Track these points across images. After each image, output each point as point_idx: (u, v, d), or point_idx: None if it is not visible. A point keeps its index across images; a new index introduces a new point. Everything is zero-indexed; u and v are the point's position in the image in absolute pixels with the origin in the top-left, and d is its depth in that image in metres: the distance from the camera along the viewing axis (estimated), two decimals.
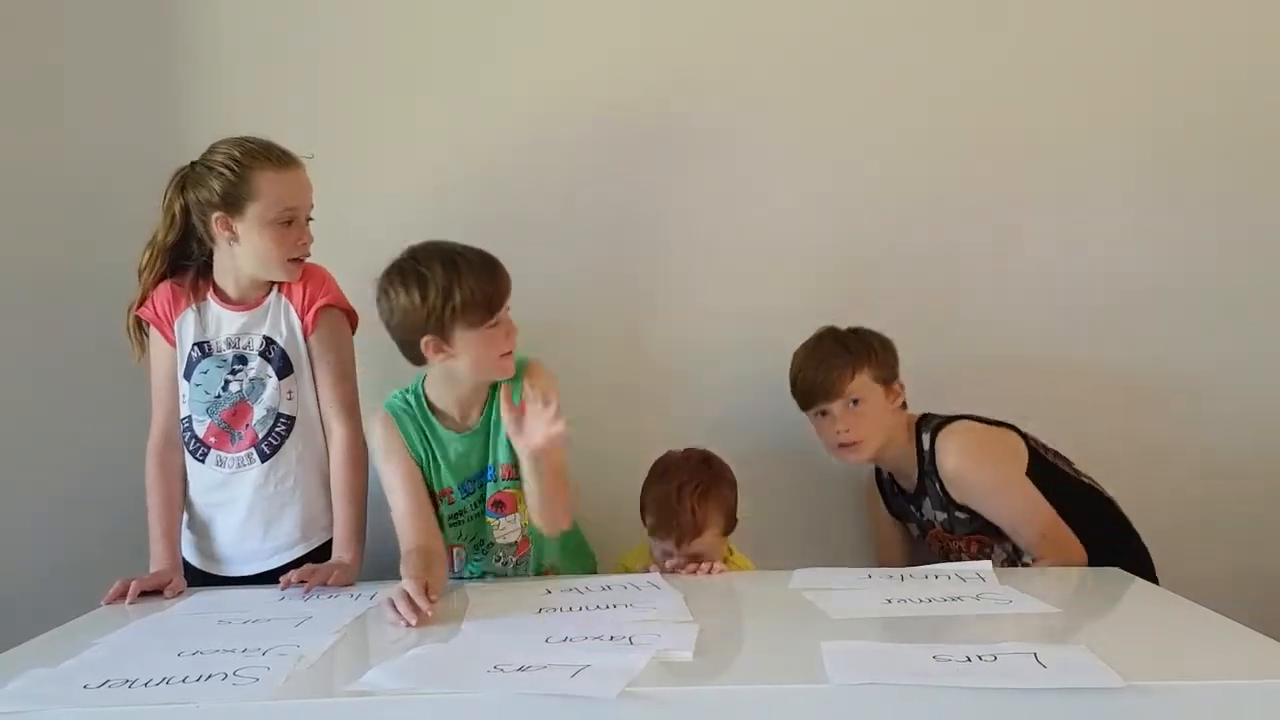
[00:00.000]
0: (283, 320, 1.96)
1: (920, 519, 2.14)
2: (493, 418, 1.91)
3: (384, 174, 2.31)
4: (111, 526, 2.21)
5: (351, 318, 2.03)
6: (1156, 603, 1.65)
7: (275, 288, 1.97)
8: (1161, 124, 2.32)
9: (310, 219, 1.95)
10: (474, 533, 1.95)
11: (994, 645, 1.31)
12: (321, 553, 1.94)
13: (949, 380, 2.30)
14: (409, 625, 1.53)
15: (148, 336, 2.00)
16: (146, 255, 1.97)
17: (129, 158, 2.27)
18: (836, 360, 2.05)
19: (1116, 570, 1.83)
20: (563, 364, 2.03)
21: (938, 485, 2.06)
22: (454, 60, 2.34)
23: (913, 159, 2.33)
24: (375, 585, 1.79)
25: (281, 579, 1.81)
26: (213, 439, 1.96)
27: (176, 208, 1.94)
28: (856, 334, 2.11)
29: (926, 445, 2.06)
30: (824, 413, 2.07)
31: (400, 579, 1.63)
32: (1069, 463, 2.12)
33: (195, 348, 1.97)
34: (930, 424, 2.08)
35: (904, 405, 2.12)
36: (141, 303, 1.99)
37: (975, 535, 2.07)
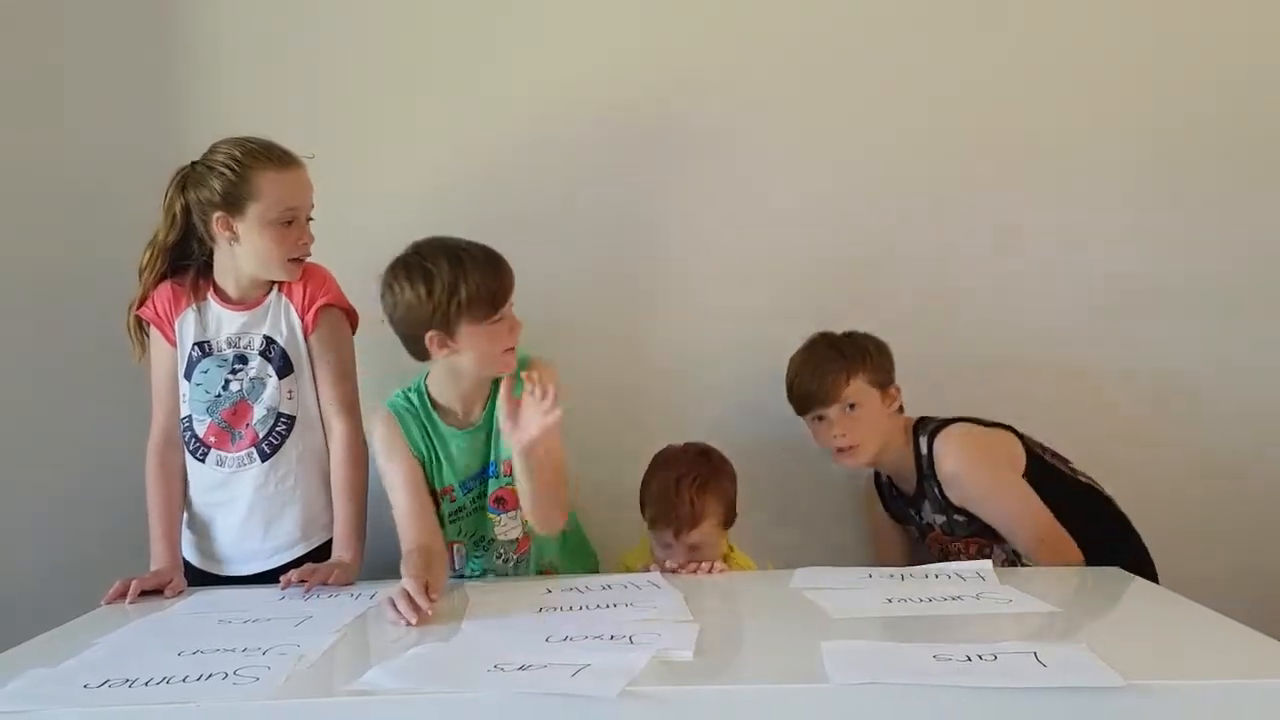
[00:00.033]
0: (283, 320, 1.96)
1: (920, 522, 2.14)
2: (495, 414, 1.90)
3: (384, 174, 2.31)
4: (111, 526, 2.21)
5: (352, 317, 2.03)
6: (1156, 602, 1.65)
7: (275, 287, 1.97)
8: (1161, 124, 2.32)
9: (311, 219, 1.96)
10: (474, 529, 1.96)
11: (994, 644, 1.31)
12: (322, 552, 1.94)
13: (949, 380, 2.30)
14: (409, 624, 1.53)
15: (148, 336, 2.00)
16: (147, 255, 1.98)
17: (129, 158, 2.27)
18: (831, 365, 2.06)
19: (1116, 570, 1.83)
20: (563, 364, 2.02)
21: (936, 488, 2.06)
22: (454, 60, 2.34)
23: (913, 159, 2.33)
24: (375, 585, 1.79)
25: (282, 578, 1.81)
26: (213, 438, 1.96)
27: (177, 207, 1.94)
28: (851, 338, 2.11)
29: (924, 448, 2.06)
30: (821, 418, 2.08)
31: (400, 578, 1.63)
32: (1066, 462, 2.12)
33: (196, 347, 1.97)
34: (927, 427, 2.08)
35: (901, 408, 2.12)
36: (142, 302, 1.99)
37: (974, 537, 2.07)
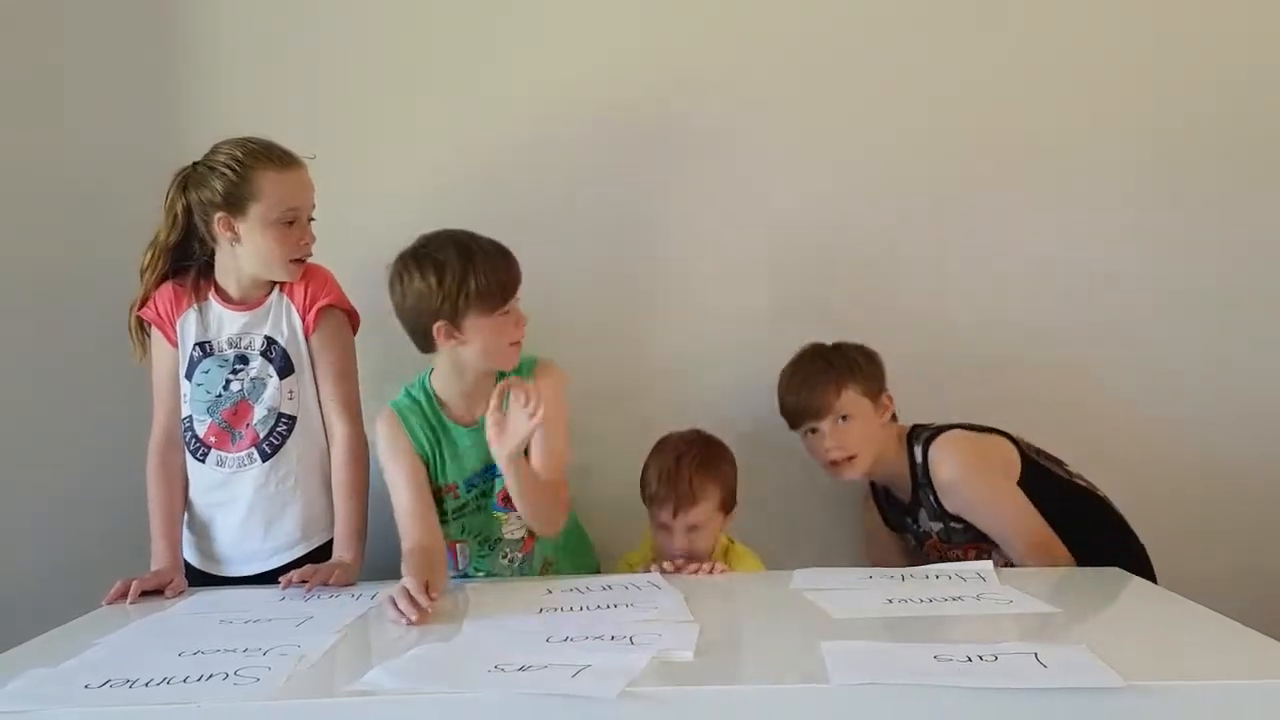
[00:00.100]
0: (284, 320, 1.96)
1: (916, 530, 2.14)
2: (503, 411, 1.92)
3: (384, 174, 2.31)
4: (111, 526, 2.21)
5: (353, 318, 2.04)
6: (1157, 602, 1.65)
7: (277, 287, 1.97)
8: (1161, 124, 2.32)
9: (312, 219, 1.96)
10: (479, 528, 1.96)
11: (994, 645, 1.32)
12: (322, 552, 1.94)
13: (948, 380, 2.30)
14: (410, 623, 1.53)
15: (149, 337, 2.00)
16: (148, 255, 1.98)
17: (129, 158, 2.27)
18: (821, 377, 2.06)
19: (1117, 570, 1.83)
20: (563, 364, 2.04)
21: (932, 496, 2.05)
22: (454, 60, 2.34)
23: (913, 159, 2.33)
24: (376, 585, 1.79)
25: (282, 579, 1.81)
26: (213, 439, 1.96)
27: (178, 208, 1.94)
28: (840, 349, 2.11)
29: (919, 457, 2.06)
30: (814, 430, 2.07)
31: (401, 578, 1.64)
32: (1061, 464, 2.12)
33: (197, 347, 1.97)
34: (921, 435, 2.07)
35: (894, 417, 2.12)
36: (143, 303, 1.99)
37: (972, 544, 2.06)
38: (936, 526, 2.08)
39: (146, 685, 1.28)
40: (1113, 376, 2.35)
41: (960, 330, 2.35)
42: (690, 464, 2.00)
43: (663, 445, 2.07)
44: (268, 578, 1.91)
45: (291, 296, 1.97)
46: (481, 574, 1.99)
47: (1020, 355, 2.35)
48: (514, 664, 1.30)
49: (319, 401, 1.98)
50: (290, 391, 1.96)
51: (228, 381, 1.96)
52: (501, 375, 1.95)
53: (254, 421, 1.95)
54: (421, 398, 1.96)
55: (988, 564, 1.79)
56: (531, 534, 1.98)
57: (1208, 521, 2.32)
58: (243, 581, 1.95)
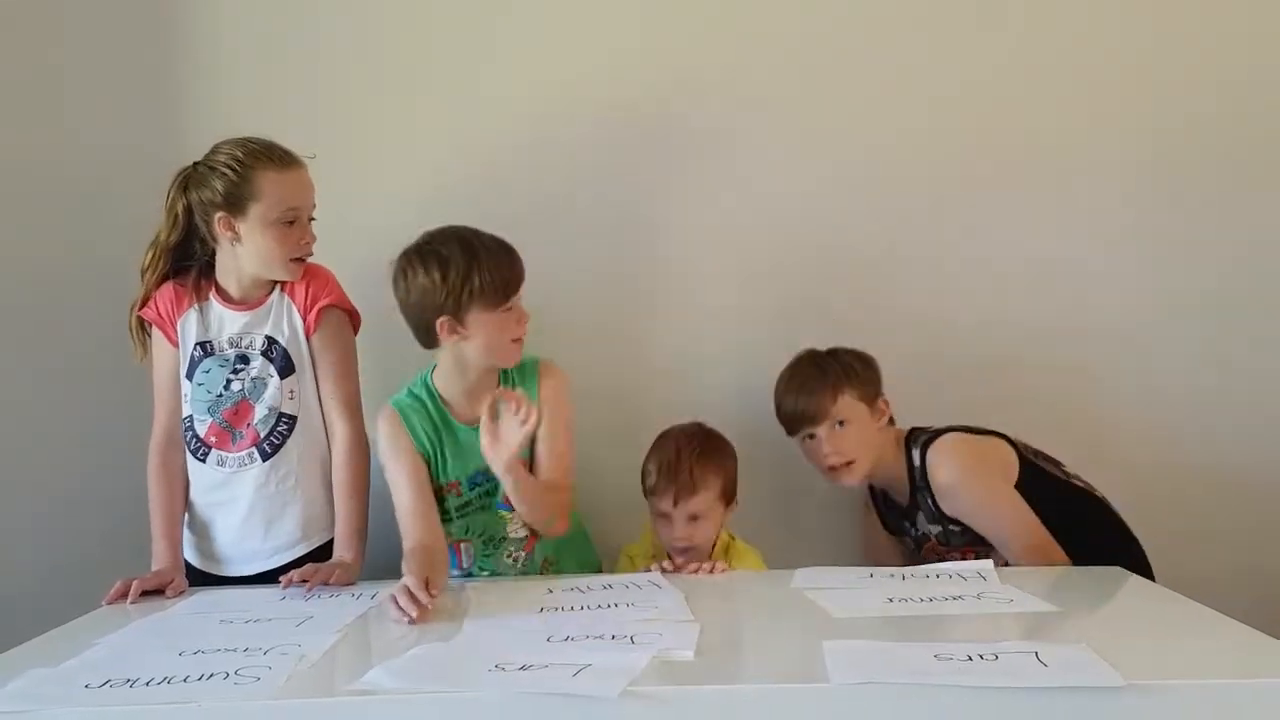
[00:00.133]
0: (285, 320, 1.96)
1: (915, 533, 2.13)
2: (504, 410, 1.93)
3: (384, 174, 2.31)
4: (111, 526, 2.21)
5: (354, 318, 2.04)
6: (1157, 602, 1.65)
7: (278, 287, 1.98)
8: (1161, 124, 2.32)
9: (313, 219, 1.96)
10: (484, 527, 1.97)
11: (995, 644, 1.32)
12: (323, 552, 1.94)
13: (948, 380, 2.30)
14: (411, 620, 1.54)
15: (150, 337, 2.00)
16: (149, 255, 1.98)
17: (129, 158, 2.27)
18: (817, 384, 2.06)
19: (1117, 569, 1.83)
20: (563, 363, 2.05)
21: (930, 499, 2.05)
22: (454, 60, 2.34)
23: (913, 159, 2.33)
24: (377, 584, 1.79)
25: (283, 578, 1.82)
26: (214, 438, 1.96)
27: (179, 208, 1.94)
28: (834, 355, 2.11)
29: (917, 460, 2.06)
30: (811, 436, 2.07)
31: (401, 578, 1.64)
32: (1059, 465, 2.12)
33: (198, 347, 1.97)
34: (919, 439, 2.07)
35: (891, 421, 2.12)
36: (144, 303, 1.99)
37: (970, 547, 2.06)
38: (935, 529, 2.08)
39: (147, 685, 1.28)
40: (1112, 376, 2.35)
41: (960, 330, 2.35)
42: (691, 453, 2.01)
43: (664, 436, 2.08)
44: (268, 577, 1.91)
45: (292, 296, 1.97)
46: (486, 573, 2.00)
47: (1020, 355, 2.35)
48: (515, 663, 1.30)
49: (320, 401, 1.98)
50: (291, 391, 1.96)
51: (228, 381, 1.96)
52: (504, 373, 1.96)
53: (255, 421, 1.95)
54: (424, 395, 1.97)
55: (988, 563, 1.79)
56: (534, 532, 1.99)
57: (1207, 522, 2.33)
58: (243, 581, 1.95)
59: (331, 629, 1.53)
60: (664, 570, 1.89)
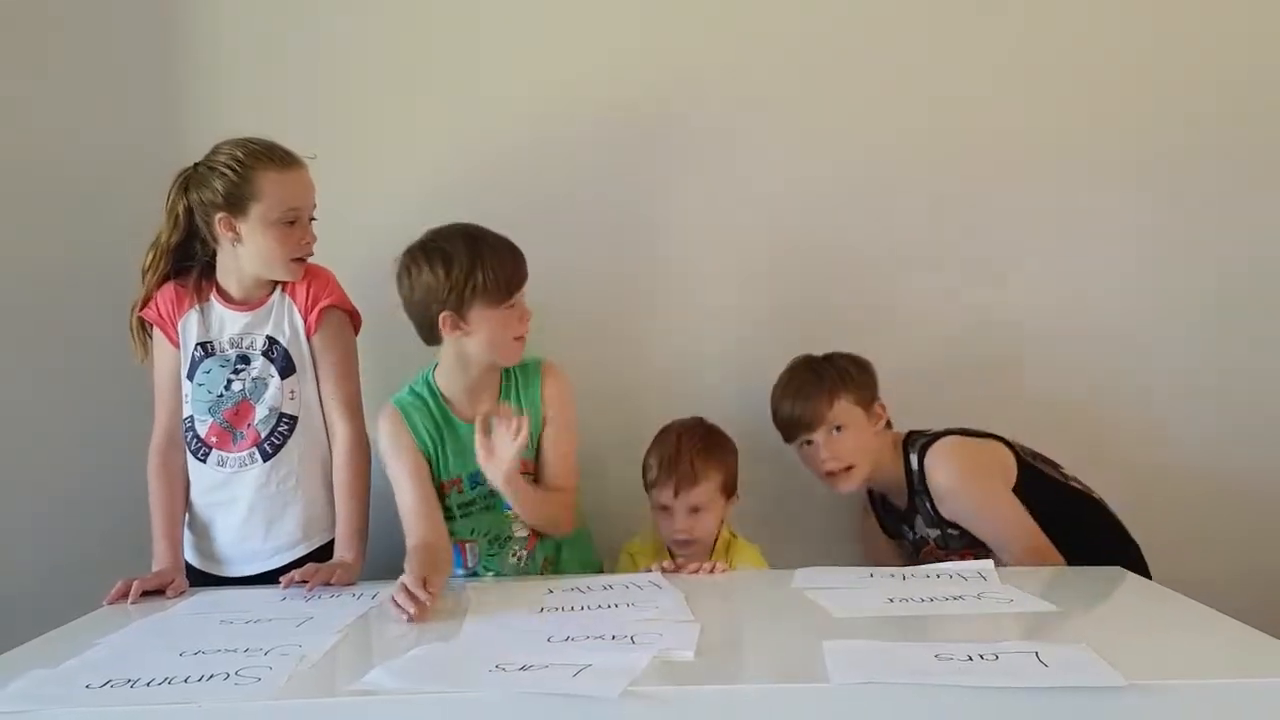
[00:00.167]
0: (286, 320, 1.96)
1: (913, 537, 2.13)
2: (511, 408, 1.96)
3: (384, 174, 2.31)
4: (111, 526, 2.21)
5: (354, 318, 2.04)
6: (1158, 601, 1.65)
7: (279, 287, 1.98)
8: (1161, 124, 2.32)
9: (313, 219, 1.96)
10: (489, 526, 1.97)
11: (995, 644, 1.32)
12: (323, 552, 1.94)
13: (948, 380, 2.30)
14: (409, 618, 1.54)
15: (150, 337, 2.00)
16: (150, 256, 1.98)
17: (129, 158, 2.27)
18: (813, 389, 2.06)
19: (1118, 569, 1.84)
20: (562, 363, 2.05)
21: (928, 503, 2.05)
22: (454, 60, 2.34)
23: (913, 159, 2.33)
24: (377, 585, 1.79)
25: (283, 578, 1.82)
26: (214, 439, 1.96)
27: (180, 209, 1.94)
28: (830, 360, 2.11)
29: (915, 464, 2.05)
30: (808, 442, 2.07)
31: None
32: (1057, 467, 2.11)
33: (198, 348, 1.97)
34: (917, 442, 2.07)
35: (888, 424, 2.12)
36: (145, 304, 1.99)
37: (968, 550, 2.05)
38: (933, 533, 2.08)
39: (147, 685, 1.28)
40: (1112, 377, 2.35)
41: (960, 330, 2.35)
42: (692, 445, 2.03)
43: (665, 430, 2.09)
44: (269, 578, 1.91)
45: (293, 296, 1.97)
46: (491, 573, 2.00)
47: (1020, 355, 2.35)
48: (515, 663, 1.30)
49: (320, 401, 1.98)
50: (292, 391, 1.96)
51: (229, 381, 1.96)
52: (506, 373, 1.97)
53: (255, 421, 1.95)
54: (425, 393, 1.98)
55: (988, 563, 1.79)
56: (535, 532, 2.00)
57: (1206, 523, 2.33)
58: (243, 581, 1.95)
59: (332, 629, 1.53)
60: (664, 570, 1.89)
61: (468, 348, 1.92)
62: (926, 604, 1.58)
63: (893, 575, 1.77)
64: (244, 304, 1.97)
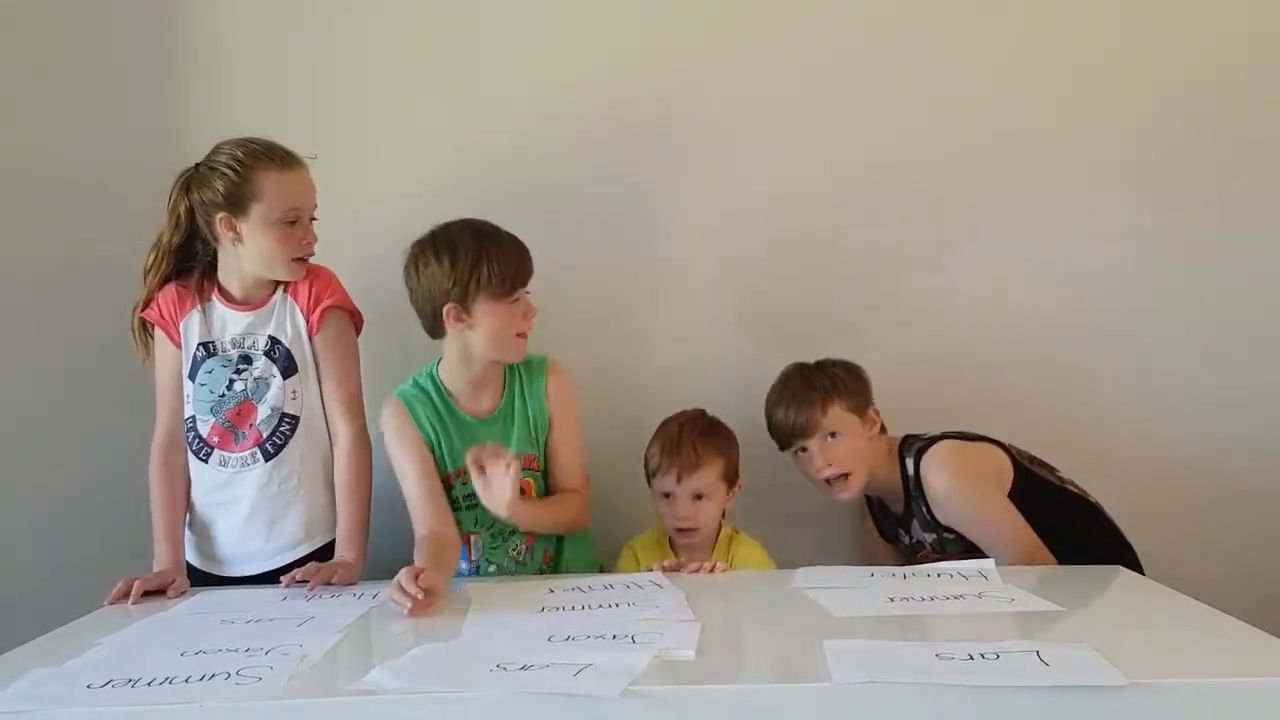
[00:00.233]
0: (288, 320, 1.97)
1: (910, 541, 2.13)
2: (514, 405, 2.01)
3: (384, 174, 2.31)
4: (112, 526, 2.21)
5: (356, 319, 2.04)
6: (1159, 600, 1.65)
7: (280, 288, 1.98)
8: (1161, 124, 2.32)
9: (314, 219, 1.96)
10: (492, 519, 1.98)
11: (996, 643, 1.32)
12: (325, 552, 1.94)
13: (948, 380, 2.31)
14: (408, 613, 1.57)
15: (152, 338, 2.01)
16: (152, 257, 1.98)
17: (129, 158, 2.27)
18: (806, 396, 2.06)
19: (1119, 568, 1.84)
20: (562, 363, 2.05)
21: (924, 508, 2.05)
22: (454, 60, 2.34)
23: (913, 159, 2.33)
24: (378, 584, 1.79)
25: (284, 578, 1.82)
26: (216, 439, 1.96)
27: (181, 209, 1.94)
28: (822, 367, 2.11)
29: (911, 468, 2.05)
30: (803, 450, 2.08)
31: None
32: (1053, 470, 2.11)
33: (200, 348, 1.97)
34: (913, 447, 2.07)
35: (883, 430, 2.12)
36: (146, 304, 1.99)
37: (965, 555, 2.05)
38: (930, 537, 2.08)
39: (149, 685, 1.28)
40: (1112, 377, 2.36)
41: (960, 330, 2.35)
42: (693, 432, 2.05)
43: (666, 421, 2.11)
44: (269, 577, 1.91)
45: (295, 297, 1.97)
46: (494, 567, 2.02)
47: (1020, 356, 2.35)
48: (516, 663, 1.30)
49: (322, 402, 1.98)
50: (294, 391, 1.96)
51: (231, 381, 1.96)
52: (510, 370, 2.00)
53: (257, 421, 1.95)
54: (429, 386, 2.01)
55: (989, 562, 1.79)
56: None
57: (1205, 524, 2.33)
58: (245, 581, 1.95)
59: (333, 629, 1.53)
60: (665, 570, 1.89)
61: (471, 342, 1.94)
62: (927, 603, 1.58)
63: (893, 575, 1.77)
64: (246, 304, 1.97)
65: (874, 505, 2.23)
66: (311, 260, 1.98)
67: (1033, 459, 2.10)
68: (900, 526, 2.14)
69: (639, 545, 2.13)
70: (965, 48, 2.32)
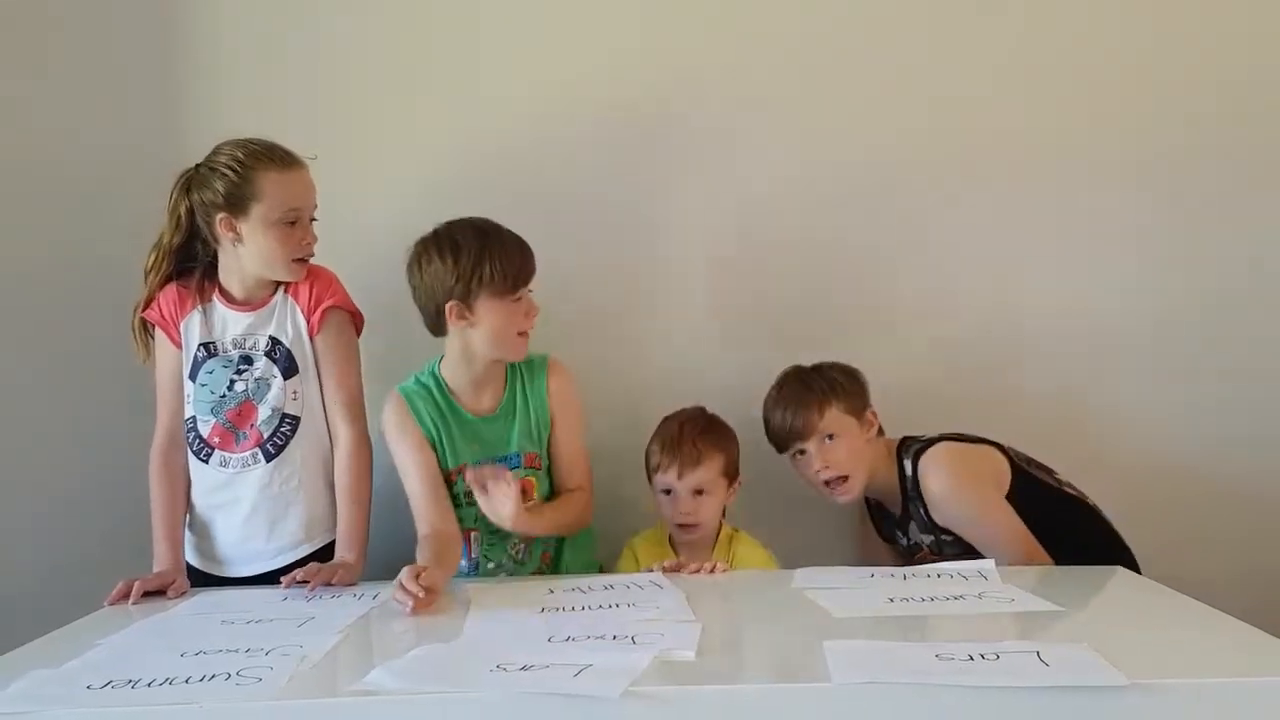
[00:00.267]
0: (289, 321, 1.97)
1: (908, 543, 2.13)
2: (516, 403, 2.02)
3: (384, 174, 2.31)
4: (112, 526, 2.21)
5: (357, 319, 2.04)
6: (1160, 600, 1.65)
7: (281, 288, 1.98)
8: (1161, 124, 2.32)
9: (314, 219, 1.96)
10: None
11: (996, 644, 1.32)
12: (325, 552, 1.94)
13: (948, 380, 2.31)
14: (410, 612, 1.57)
15: (153, 339, 2.00)
16: (152, 257, 1.98)
17: (129, 158, 2.27)
18: (804, 399, 2.06)
19: (1119, 568, 1.84)
20: (563, 363, 2.05)
21: (922, 509, 2.05)
22: (454, 60, 2.33)
23: (913, 159, 2.33)
24: (378, 585, 1.79)
25: (284, 578, 1.82)
26: (217, 439, 1.96)
27: (182, 210, 1.94)
28: (819, 370, 2.11)
29: (909, 470, 2.05)
30: (802, 452, 2.08)
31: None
32: (1052, 473, 2.11)
33: (201, 348, 1.97)
34: (911, 448, 2.07)
35: (880, 432, 2.12)
36: (147, 304, 1.99)
37: (963, 556, 2.05)
38: (927, 539, 2.08)
39: (149, 686, 1.28)
40: (1111, 377, 2.36)
41: (960, 331, 2.35)
42: (694, 428, 2.06)
43: (667, 418, 2.11)
44: (269, 578, 1.91)
45: (296, 297, 1.97)
46: (492, 564, 2.02)
47: (1019, 357, 2.35)
48: (516, 664, 1.30)
49: (323, 402, 1.98)
50: (294, 392, 1.96)
51: (232, 382, 1.96)
52: (511, 368, 2.02)
53: (258, 422, 1.95)
54: (430, 383, 2.01)
55: (989, 563, 1.79)
56: None
57: (1205, 525, 2.33)
58: (245, 582, 1.95)
59: (333, 629, 1.53)
60: (665, 570, 1.89)
61: (472, 340, 1.95)
62: (927, 604, 1.58)
63: (893, 575, 1.77)
64: (246, 304, 1.97)
65: (872, 507, 2.23)
66: (312, 260, 1.98)
67: (1031, 461, 2.09)
68: (898, 528, 2.14)
69: (639, 544, 2.13)
70: (965, 48, 2.32)
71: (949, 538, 2.04)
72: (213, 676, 1.30)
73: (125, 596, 1.79)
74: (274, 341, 1.96)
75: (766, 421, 2.11)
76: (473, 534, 2.01)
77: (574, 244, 2.31)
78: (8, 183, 2.33)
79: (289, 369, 1.96)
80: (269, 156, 1.89)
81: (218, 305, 1.97)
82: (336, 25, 2.33)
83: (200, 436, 1.96)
